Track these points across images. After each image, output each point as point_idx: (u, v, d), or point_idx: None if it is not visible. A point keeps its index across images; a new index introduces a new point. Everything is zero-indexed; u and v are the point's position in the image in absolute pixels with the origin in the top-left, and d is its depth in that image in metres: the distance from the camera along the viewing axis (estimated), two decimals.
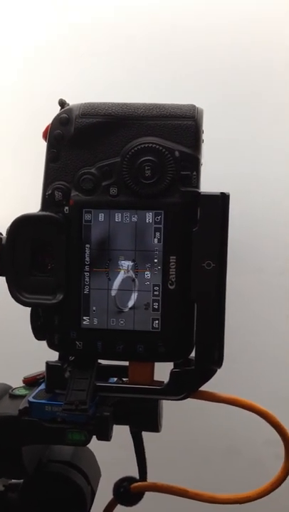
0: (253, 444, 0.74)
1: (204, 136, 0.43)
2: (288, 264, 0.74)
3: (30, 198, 0.44)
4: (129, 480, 0.48)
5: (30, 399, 0.43)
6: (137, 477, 0.48)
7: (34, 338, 0.43)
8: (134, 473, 0.49)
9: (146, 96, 0.45)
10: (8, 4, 0.78)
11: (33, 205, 0.43)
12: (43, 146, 0.44)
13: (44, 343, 0.43)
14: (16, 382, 0.49)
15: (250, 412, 0.42)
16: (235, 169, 0.73)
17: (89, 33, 0.75)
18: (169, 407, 0.45)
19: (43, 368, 0.47)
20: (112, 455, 0.54)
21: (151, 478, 0.49)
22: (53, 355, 0.44)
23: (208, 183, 0.44)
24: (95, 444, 0.44)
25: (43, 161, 0.44)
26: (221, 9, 0.74)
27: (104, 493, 0.50)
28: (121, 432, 0.45)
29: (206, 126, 0.43)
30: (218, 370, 0.41)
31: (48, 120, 0.44)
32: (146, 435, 0.47)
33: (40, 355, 0.44)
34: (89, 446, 0.46)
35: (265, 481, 0.45)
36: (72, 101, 0.44)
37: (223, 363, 0.41)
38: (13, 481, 0.49)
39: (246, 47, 0.73)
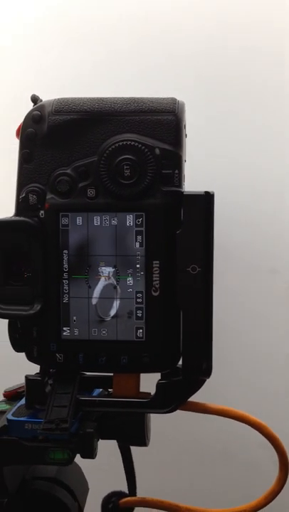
0: (248, 447, 0.72)
1: (187, 131, 0.41)
2: (281, 263, 0.72)
3: (2, 202, 0.41)
4: (118, 495, 0.46)
5: (9, 416, 0.41)
6: (127, 492, 0.46)
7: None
8: (125, 481, 0.47)
9: (123, 89, 0.42)
10: None
11: (5, 209, 0.41)
12: (15, 144, 0.41)
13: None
14: None
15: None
16: (224, 166, 0.70)
17: (62, 22, 0.72)
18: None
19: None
20: (101, 463, 0.52)
21: (144, 481, 0.47)
22: (35, 366, 0.42)
23: (195, 180, 0.42)
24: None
25: (14, 161, 0.41)
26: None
27: (91, 508, 0.48)
28: (109, 441, 0.43)
29: (189, 120, 0.41)
30: (213, 378, 0.39)
31: (21, 117, 0.41)
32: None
33: (23, 366, 0.42)
34: (77, 459, 0.44)
35: (261, 485, 0.44)
36: (46, 96, 0.41)
37: (217, 363, 0.39)
38: None
39: (228, 36, 0.71)
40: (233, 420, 0.41)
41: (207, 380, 0.39)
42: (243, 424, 0.41)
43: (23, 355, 0.42)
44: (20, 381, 0.46)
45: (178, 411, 0.40)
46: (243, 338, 0.72)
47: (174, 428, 0.65)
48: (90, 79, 0.68)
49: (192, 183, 0.42)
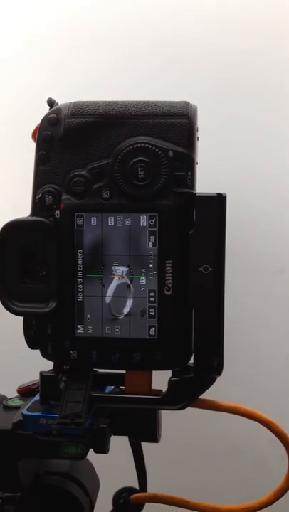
0: (256, 444, 0.73)
1: (199, 134, 0.42)
2: (286, 263, 0.72)
3: (17, 202, 0.42)
4: (129, 490, 0.47)
5: (24, 411, 0.42)
6: (137, 488, 0.47)
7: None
8: (135, 478, 0.47)
9: (138, 93, 0.43)
10: None
11: (21, 209, 0.42)
12: (30, 146, 0.42)
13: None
14: (10, 391, 0.48)
15: None
16: (230, 167, 0.71)
17: (76, 28, 0.73)
18: (168, 410, 0.44)
19: (37, 376, 0.46)
20: (113, 459, 0.53)
21: (154, 478, 0.48)
22: (49, 363, 0.43)
23: (203, 181, 0.42)
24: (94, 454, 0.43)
25: (30, 162, 0.42)
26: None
27: (103, 503, 0.49)
28: (120, 438, 0.44)
29: (200, 123, 0.42)
30: (221, 378, 0.40)
31: (36, 120, 0.42)
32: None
33: (36, 363, 0.43)
34: (88, 456, 0.45)
35: (269, 482, 0.44)
36: (61, 100, 0.42)
37: (226, 370, 0.39)
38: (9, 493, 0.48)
39: (241, 38, 0.71)
40: (241, 418, 0.42)
41: (215, 389, 0.40)
42: (251, 423, 0.42)
43: (34, 352, 0.43)
44: (32, 378, 0.47)
45: (188, 408, 0.41)
46: (248, 337, 0.72)
47: (183, 426, 0.66)
48: (102, 83, 0.69)
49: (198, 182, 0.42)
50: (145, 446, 0.47)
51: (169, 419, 0.44)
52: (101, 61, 0.71)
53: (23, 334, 0.42)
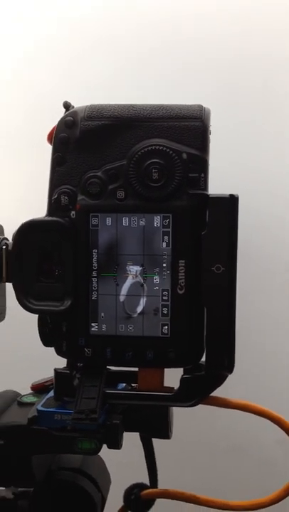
0: (262, 444, 0.73)
1: (211, 137, 0.42)
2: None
3: (27, 201, 0.43)
4: (140, 487, 0.47)
5: (39, 407, 0.42)
6: (147, 483, 0.48)
7: (42, 344, 0.43)
8: (145, 474, 0.48)
9: (151, 96, 0.44)
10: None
11: (30, 207, 0.42)
12: (42, 147, 0.43)
13: (52, 348, 0.43)
14: (23, 388, 0.49)
15: None
16: (241, 167, 0.72)
17: (90, 31, 0.74)
18: (177, 408, 0.45)
19: (50, 374, 0.47)
20: (123, 456, 0.54)
21: (160, 478, 0.48)
22: (61, 361, 0.44)
23: (215, 181, 0.43)
24: (105, 451, 0.44)
25: (41, 163, 0.43)
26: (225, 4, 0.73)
27: (114, 499, 0.50)
28: (131, 436, 0.45)
29: (213, 126, 0.43)
30: (230, 376, 0.40)
31: (47, 121, 0.43)
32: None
33: (48, 361, 0.44)
34: (100, 453, 0.46)
35: (276, 482, 0.45)
36: (73, 102, 0.43)
37: (235, 368, 0.40)
38: (22, 488, 0.49)
39: (249, 43, 0.72)
40: (247, 418, 0.42)
41: (224, 388, 0.41)
42: (257, 422, 0.43)
43: (45, 351, 0.44)
44: (43, 375, 0.48)
45: (195, 408, 0.42)
46: (258, 337, 0.73)
47: (188, 425, 0.67)
48: (116, 85, 0.70)
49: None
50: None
51: (175, 418, 0.45)
52: (110, 63, 0.72)
53: (36, 333, 0.43)
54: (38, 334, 0.43)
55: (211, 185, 0.41)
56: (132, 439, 0.45)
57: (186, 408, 0.42)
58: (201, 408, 0.43)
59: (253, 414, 0.42)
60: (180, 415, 0.46)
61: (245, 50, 0.72)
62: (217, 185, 0.42)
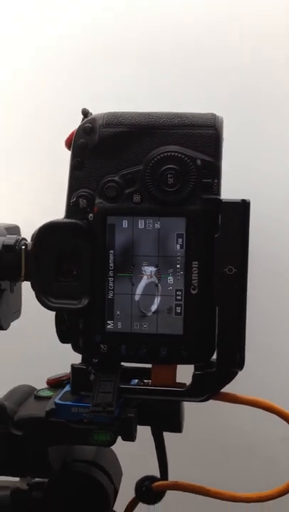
0: (268, 442, 0.75)
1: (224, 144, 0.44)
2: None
3: (41, 203, 0.45)
4: (151, 479, 0.49)
5: (57, 400, 0.44)
6: (158, 476, 0.50)
7: (58, 341, 0.45)
8: (154, 469, 0.50)
9: (166, 104, 0.46)
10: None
11: (50, 212, 0.44)
12: (54, 151, 0.45)
13: (66, 345, 0.44)
14: (38, 383, 0.51)
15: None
16: (250, 172, 0.74)
17: (105, 40, 0.76)
18: (188, 406, 0.47)
19: (62, 370, 0.49)
20: (133, 451, 0.55)
21: (170, 472, 0.50)
22: (75, 358, 0.46)
23: (225, 185, 0.45)
24: (118, 445, 0.46)
25: (54, 166, 0.45)
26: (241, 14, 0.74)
27: (125, 492, 0.52)
28: (142, 431, 0.46)
29: (225, 132, 0.44)
30: (238, 374, 0.42)
31: (60, 124, 0.44)
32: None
33: (62, 358, 0.45)
34: (112, 446, 0.47)
35: (282, 479, 0.47)
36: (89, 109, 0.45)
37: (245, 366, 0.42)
38: (36, 479, 0.51)
39: (260, 50, 0.74)
40: (254, 416, 0.44)
41: (232, 382, 0.42)
42: (264, 420, 0.44)
43: (55, 348, 0.45)
44: (57, 371, 0.50)
45: (203, 405, 0.43)
46: (267, 340, 0.75)
47: (195, 422, 0.68)
48: (130, 93, 0.72)
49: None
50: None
51: (186, 416, 0.47)
52: (129, 72, 0.74)
53: (52, 331, 0.45)
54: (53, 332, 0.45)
55: (226, 188, 0.43)
56: (142, 434, 0.47)
57: (196, 406, 0.44)
58: (210, 406, 0.45)
59: (259, 413, 0.44)
60: (190, 412, 0.48)
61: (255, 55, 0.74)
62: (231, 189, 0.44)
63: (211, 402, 0.44)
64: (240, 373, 0.42)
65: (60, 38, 0.77)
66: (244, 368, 0.42)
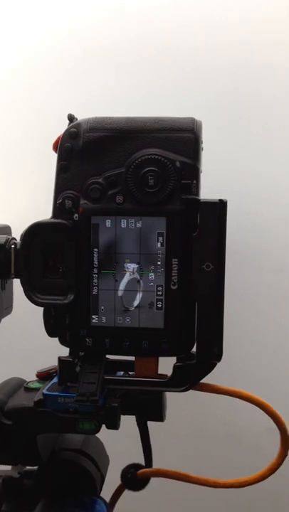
0: (252, 431, 0.77)
1: (204, 145, 0.46)
2: (286, 262, 0.77)
3: (34, 203, 0.46)
4: (136, 466, 0.51)
5: (45, 391, 0.47)
6: (143, 464, 0.52)
7: (46, 335, 0.47)
8: (140, 461, 0.52)
9: (147, 108, 0.48)
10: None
11: (37, 209, 0.46)
12: (49, 153, 0.47)
13: (54, 339, 0.46)
14: (29, 376, 0.53)
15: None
16: (232, 168, 0.76)
17: (91, 43, 0.78)
18: (170, 397, 0.49)
19: (53, 363, 0.51)
20: (120, 445, 0.58)
21: (155, 465, 0.52)
22: (63, 351, 0.48)
23: (206, 182, 0.47)
24: (105, 436, 0.48)
25: (49, 167, 0.47)
26: (223, 15, 0.76)
27: (112, 480, 0.54)
28: (127, 423, 0.49)
29: (206, 133, 0.46)
30: (220, 365, 0.44)
31: (53, 128, 0.47)
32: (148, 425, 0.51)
33: (51, 351, 0.48)
34: (100, 437, 0.50)
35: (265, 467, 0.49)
36: (74, 113, 0.47)
37: (225, 358, 0.44)
38: (27, 468, 0.53)
39: (247, 52, 0.76)
40: (239, 406, 0.46)
41: (217, 375, 0.45)
42: (248, 410, 0.46)
43: (46, 343, 0.48)
44: (45, 364, 0.52)
45: (187, 396, 0.46)
46: (250, 334, 0.77)
47: (180, 413, 0.70)
48: (114, 99, 0.74)
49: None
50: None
51: (169, 406, 0.49)
52: (112, 78, 0.76)
53: (41, 325, 0.47)
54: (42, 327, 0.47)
55: (211, 189, 0.45)
56: (127, 423, 0.49)
57: (179, 396, 0.46)
58: (193, 396, 0.47)
59: (243, 403, 0.46)
60: (173, 403, 0.50)
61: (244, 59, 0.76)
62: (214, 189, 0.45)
63: (194, 391, 0.46)
64: (228, 365, 0.44)
65: (60, 38, 0.78)
66: (229, 360, 0.44)
